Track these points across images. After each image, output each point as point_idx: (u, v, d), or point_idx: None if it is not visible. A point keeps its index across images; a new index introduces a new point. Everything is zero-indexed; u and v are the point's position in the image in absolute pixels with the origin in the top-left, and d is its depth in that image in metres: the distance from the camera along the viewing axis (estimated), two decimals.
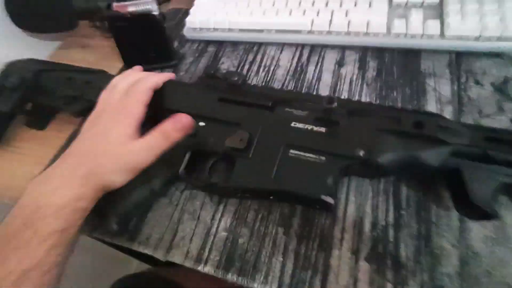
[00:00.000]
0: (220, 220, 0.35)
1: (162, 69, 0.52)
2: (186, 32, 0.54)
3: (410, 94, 0.42)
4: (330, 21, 0.47)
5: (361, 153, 0.31)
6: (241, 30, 0.52)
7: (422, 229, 0.31)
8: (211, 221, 0.35)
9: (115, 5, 0.46)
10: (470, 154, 0.29)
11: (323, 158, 0.32)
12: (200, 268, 0.33)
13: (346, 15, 0.47)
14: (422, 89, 0.42)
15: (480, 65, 0.43)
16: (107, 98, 0.36)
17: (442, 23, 0.43)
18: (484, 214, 0.27)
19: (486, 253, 0.29)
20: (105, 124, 0.34)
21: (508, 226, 0.30)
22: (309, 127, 0.33)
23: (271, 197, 0.34)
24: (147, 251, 0.35)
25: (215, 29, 0.53)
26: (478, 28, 0.41)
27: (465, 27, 0.42)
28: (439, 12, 0.44)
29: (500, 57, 0.43)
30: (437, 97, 0.41)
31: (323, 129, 0.33)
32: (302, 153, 0.32)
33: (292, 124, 0.34)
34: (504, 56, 0.43)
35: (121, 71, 0.54)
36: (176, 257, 0.34)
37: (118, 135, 0.32)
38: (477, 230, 0.31)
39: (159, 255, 0.34)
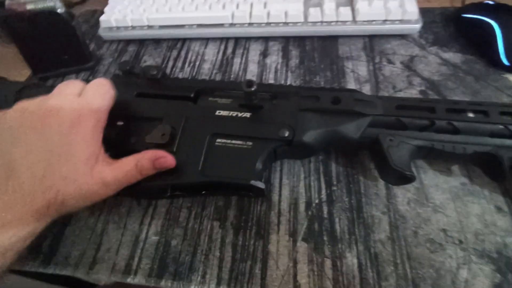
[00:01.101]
0: (150, 225, 0.32)
1: (77, 72, 0.48)
2: (102, 32, 0.50)
3: (331, 77, 0.43)
4: (250, 13, 0.47)
5: (286, 133, 0.30)
6: (162, 27, 0.49)
7: (353, 201, 0.32)
8: (140, 227, 0.32)
9: (9, 2, 0.41)
10: (385, 123, 0.31)
11: (250, 143, 0.31)
12: (129, 280, 0.29)
13: (265, 6, 0.48)
14: (342, 72, 0.44)
15: (390, 47, 0.46)
16: (60, 100, 0.28)
17: (352, 10, 0.46)
18: (404, 177, 0.28)
19: (412, 215, 0.31)
20: (63, 138, 0.26)
21: (426, 186, 0.32)
22: (234, 113, 0.32)
23: (204, 192, 0.32)
24: (66, 272, 0.30)
25: (133, 27, 0.50)
26: (383, 12, 0.45)
27: (372, 12, 0.45)
28: None
29: (404, 38, 0.46)
30: (356, 78, 0.43)
31: (247, 114, 0.32)
32: (228, 141, 0.31)
33: (217, 113, 0.33)
34: (408, 37, 0.47)
35: (29, 79, 0.48)
36: (101, 273, 0.30)
37: (85, 155, 0.26)
38: (402, 194, 0.32)
39: (81, 273, 0.30)
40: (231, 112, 0.32)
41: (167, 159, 0.29)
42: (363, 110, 0.30)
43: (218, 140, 0.31)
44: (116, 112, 0.33)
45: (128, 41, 0.51)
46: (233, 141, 0.31)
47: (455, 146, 0.29)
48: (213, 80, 0.35)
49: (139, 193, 0.33)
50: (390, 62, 0.44)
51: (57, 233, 0.32)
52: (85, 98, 0.28)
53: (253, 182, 0.29)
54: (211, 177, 0.30)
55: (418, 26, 0.45)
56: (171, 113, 0.33)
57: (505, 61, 0.40)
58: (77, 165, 0.26)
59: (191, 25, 0.49)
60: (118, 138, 0.33)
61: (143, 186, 0.31)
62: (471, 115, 0.30)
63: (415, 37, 0.47)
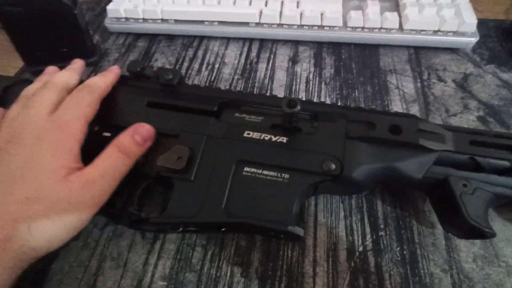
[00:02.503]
0: (156, 265, 0.26)
1: None
2: (109, 22, 0.44)
3: (373, 93, 0.37)
4: (281, 12, 0.41)
5: (333, 167, 0.24)
6: (178, 21, 0.43)
7: (406, 252, 0.26)
8: (144, 267, 0.26)
9: None
10: (456, 162, 0.25)
11: (286, 176, 0.25)
12: None
13: (298, 6, 0.41)
14: (385, 87, 0.38)
15: (439, 61, 0.40)
16: (23, 117, 0.24)
17: (400, 16, 0.40)
18: (481, 234, 0.23)
19: (479, 277, 0.25)
20: (26, 156, 0.22)
21: (496, 240, 0.27)
22: (267, 136, 0.26)
23: (223, 229, 0.26)
24: None
25: (144, 20, 0.43)
26: (436, 21, 0.39)
27: (423, 20, 0.39)
28: (395, 3, 0.41)
29: (455, 52, 0.41)
30: (401, 96, 0.37)
31: (284, 139, 0.26)
32: (259, 171, 0.25)
33: (245, 134, 0.27)
34: (460, 52, 0.41)
35: (20, 72, 0.42)
36: None
37: (51, 168, 0.22)
38: (466, 248, 0.26)
39: None
40: (263, 135, 0.26)
41: (145, 127, 0.26)
42: (430, 144, 0.25)
43: (247, 169, 0.25)
44: (122, 125, 0.27)
45: (138, 35, 0.45)
46: (265, 172, 0.25)
47: None
48: (241, 92, 0.29)
49: (146, 227, 0.27)
50: (440, 79, 0.38)
51: (41, 269, 0.26)
52: (57, 116, 0.24)
53: (290, 228, 0.23)
54: (238, 217, 0.24)
55: (474, 40, 0.39)
56: (189, 130, 0.27)
57: None
58: (41, 180, 0.22)
59: (211, 22, 0.43)
60: None
61: (152, 222, 0.25)
62: None
63: (467, 52, 0.41)
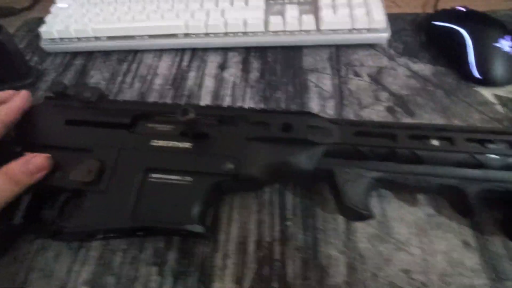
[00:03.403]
0: (79, 272, 0.28)
1: (15, 89, 0.43)
2: (44, 44, 0.46)
3: (294, 92, 0.40)
4: (206, 22, 0.43)
5: (230, 167, 0.27)
6: (110, 38, 0.45)
7: (309, 239, 0.29)
8: (68, 275, 0.28)
9: None
10: (342, 153, 0.27)
11: (189, 179, 0.27)
12: None
13: (223, 15, 0.44)
14: (305, 86, 0.40)
15: (357, 57, 0.43)
16: None
17: (316, 18, 0.42)
18: (360, 216, 0.25)
19: (372, 254, 0.27)
20: None
21: (390, 219, 0.29)
22: (173, 143, 0.29)
23: (139, 233, 0.28)
24: None
25: (78, 39, 0.45)
26: (349, 21, 0.41)
27: (337, 20, 0.41)
28: (313, 6, 0.44)
29: (372, 47, 0.43)
30: (319, 93, 0.39)
31: (188, 145, 0.28)
32: (165, 176, 0.27)
33: (152, 143, 0.29)
34: (377, 47, 0.43)
35: None
36: None
37: None
38: (362, 229, 0.29)
39: None
40: (170, 142, 0.29)
41: (39, 157, 0.27)
42: (317, 138, 0.27)
43: (153, 175, 0.27)
44: (42, 144, 0.29)
45: (75, 54, 0.47)
46: (171, 177, 0.27)
47: (419, 179, 0.26)
48: (156, 103, 0.32)
49: (67, 238, 0.29)
50: (356, 74, 0.41)
51: None
52: None
53: (188, 226, 0.25)
54: (144, 221, 0.26)
55: (386, 35, 0.42)
56: (103, 144, 0.29)
57: (476, 74, 0.37)
58: None
59: (142, 36, 0.44)
60: None
61: (66, 232, 0.27)
62: (435, 142, 0.27)
63: (384, 47, 0.43)
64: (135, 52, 0.47)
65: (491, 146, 0.26)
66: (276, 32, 0.43)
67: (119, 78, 0.44)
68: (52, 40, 0.45)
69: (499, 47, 0.37)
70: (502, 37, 0.37)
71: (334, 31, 0.42)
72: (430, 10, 0.47)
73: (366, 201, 0.26)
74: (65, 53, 0.47)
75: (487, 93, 0.37)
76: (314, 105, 0.38)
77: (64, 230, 0.27)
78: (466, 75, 0.38)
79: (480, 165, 0.26)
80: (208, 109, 0.31)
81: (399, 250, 0.27)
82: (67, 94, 0.33)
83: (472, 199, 0.25)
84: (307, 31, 0.42)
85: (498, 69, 0.37)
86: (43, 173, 0.28)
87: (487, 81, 0.37)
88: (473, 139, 0.26)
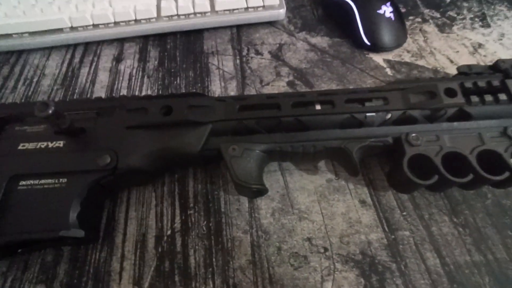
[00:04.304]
0: None
1: None
2: None
3: (194, 77, 0.38)
4: (92, 13, 0.39)
5: (107, 160, 0.24)
6: None
7: (212, 224, 0.27)
8: None
9: None
10: (229, 129, 0.26)
11: (63, 180, 0.24)
12: None
13: (110, 4, 0.40)
14: (206, 70, 0.39)
15: (258, 36, 0.42)
16: None
17: None
18: (254, 191, 0.24)
19: (276, 228, 0.27)
20: None
21: (292, 191, 0.29)
22: (43, 144, 0.25)
23: (20, 250, 0.25)
24: None
25: None
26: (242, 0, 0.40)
27: (231, 0, 0.40)
28: None
29: (273, 25, 0.43)
30: (221, 75, 0.38)
31: (60, 143, 0.25)
32: (36, 182, 0.24)
33: (20, 147, 0.25)
34: (277, 24, 0.43)
35: None
36: None
37: None
38: (266, 205, 0.28)
39: None
40: (40, 143, 0.25)
41: None
42: (199, 118, 0.26)
43: (22, 182, 0.24)
44: None
45: None
46: (42, 181, 0.24)
47: (304, 145, 0.26)
48: (23, 103, 0.28)
49: None
50: (258, 53, 0.40)
51: None
52: None
53: (63, 232, 0.22)
54: (9, 235, 0.22)
55: (282, 11, 0.42)
56: None
57: (366, 41, 0.39)
58: None
59: (20, 34, 0.40)
60: None
61: None
62: (318, 107, 0.27)
63: (284, 24, 0.43)
64: (19, 52, 0.41)
65: (369, 104, 0.27)
66: (170, 17, 0.41)
67: None
68: None
69: (382, 14, 0.38)
70: (384, 4, 0.39)
71: (230, 11, 0.41)
72: None
73: (258, 176, 0.25)
74: None
75: (378, 58, 0.39)
76: (215, 88, 0.37)
77: None
78: (358, 44, 0.40)
79: (360, 124, 0.26)
80: (84, 102, 0.28)
81: (301, 220, 0.27)
82: None
83: (355, 158, 0.25)
84: (203, 14, 0.41)
85: (384, 35, 0.38)
86: None
87: (376, 47, 0.39)
88: (352, 99, 0.27)
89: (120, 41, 0.42)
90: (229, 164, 0.25)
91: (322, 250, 0.26)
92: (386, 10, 0.38)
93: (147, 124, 0.25)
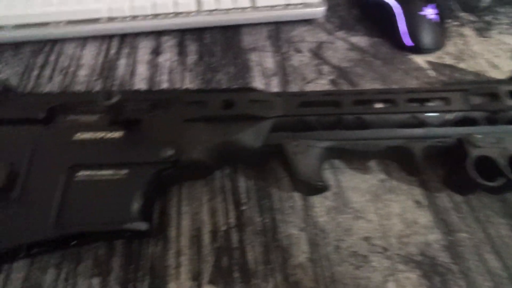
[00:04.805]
0: None
1: None
2: None
3: (235, 73, 0.38)
4: (132, 3, 0.39)
5: (169, 153, 0.24)
6: (18, 27, 0.38)
7: (267, 221, 0.27)
8: None
9: None
10: (289, 125, 0.26)
11: (124, 172, 0.23)
12: None
13: None
14: (246, 66, 0.38)
15: (297, 33, 0.42)
16: None
17: None
18: (315, 188, 0.24)
19: (332, 227, 0.27)
20: None
21: (345, 189, 0.29)
22: (101, 134, 0.25)
23: (73, 243, 0.24)
24: None
25: None
26: None
27: None
28: None
29: (310, 23, 0.43)
30: (262, 71, 0.38)
31: (119, 134, 0.25)
32: (95, 173, 0.23)
33: (76, 136, 0.25)
34: (314, 23, 0.43)
35: None
36: None
37: None
38: (320, 203, 0.28)
39: None
40: (96, 133, 0.25)
41: None
42: (260, 112, 0.25)
43: (80, 173, 0.23)
44: None
45: None
46: (102, 172, 0.24)
47: (367, 143, 0.26)
48: (77, 92, 0.27)
49: None
50: (298, 51, 0.40)
51: None
52: None
53: (128, 225, 0.22)
54: (71, 227, 0.22)
55: (322, 9, 0.41)
56: (10, 144, 0.24)
57: (408, 42, 0.38)
58: None
59: (57, 22, 0.39)
60: None
61: None
62: (379, 105, 0.27)
63: (321, 22, 0.43)
64: (53, 42, 0.40)
65: (429, 104, 0.27)
66: (210, 12, 0.40)
67: (35, 72, 0.37)
68: None
69: (424, 16, 0.38)
70: (426, 6, 0.39)
71: (271, 7, 0.41)
72: None
73: (319, 173, 0.25)
74: None
75: (420, 59, 0.39)
76: (257, 84, 0.36)
77: None
78: (399, 44, 0.40)
79: (421, 124, 0.26)
80: (138, 93, 0.27)
81: (357, 219, 0.27)
82: None
83: (418, 158, 0.25)
84: (243, 9, 0.40)
85: (426, 37, 0.38)
86: None
87: (418, 48, 0.39)
88: (413, 99, 0.27)
89: (157, 34, 0.42)
90: (291, 161, 0.24)
91: (381, 250, 0.26)
92: (429, 12, 0.38)
93: (208, 117, 0.25)
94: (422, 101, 0.27)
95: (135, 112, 0.25)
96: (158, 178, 0.24)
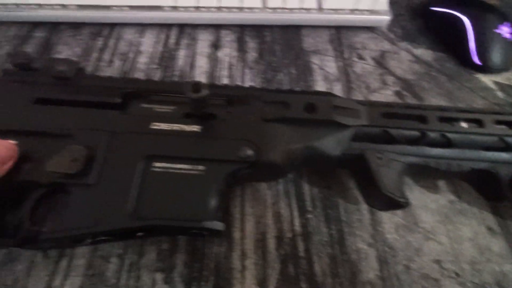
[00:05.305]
0: (62, 286, 0.23)
1: None
2: None
3: (297, 74, 0.37)
4: None
5: (248, 152, 0.23)
6: (81, 7, 0.38)
7: (333, 232, 0.26)
8: None
9: None
10: (371, 136, 0.25)
11: (201, 167, 0.23)
12: None
13: None
14: (308, 68, 0.37)
15: (359, 40, 0.41)
16: None
17: None
18: (397, 204, 0.23)
19: (402, 245, 0.26)
20: None
21: (414, 208, 0.27)
22: (177, 126, 0.24)
23: (139, 234, 0.23)
24: None
25: (39, 6, 0.37)
26: (352, 0, 0.39)
27: None
28: None
29: (372, 31, 0.42)
30: (324, 75, 0.37)
31: (196, 128, 0.24)
32: (171, 165, 0.23)
33: (153, 126, 0.24)
34: (376, 31, 0.42)
35: None
36: None
37: None
38: (389, 220, 0.27)
39: None
40: (173, 125, 0.24)
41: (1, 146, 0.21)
42: (344, 120, 0.24)
43: (157, 164, 0.23)
44: (3, 128, 0.23)
45: (35, 24, 0.39)
46: (178, 165, 0.23)
47: (450, 163, 0.24)
48: (149, 80, 0.26)
49: (44, 245, 0.23)
50: (361, 58, 0.39)
51: None
52: None
53: (206, 223, 0.21)
54: (148, 219, 0.21)
55: (388, 18, 0.40)
56: (88, 127, 0.24)
57: (476, 61, 0.37)
58: None
59: (121, 7, 0.38)
60: None
61: (43, 239, 0.21)
62: (464, 125, 0.26)
63: (383, 31, 0.42)
64: (112, 25, 0.40)
65: None
66: (274, 10, 0.39)
67: (95, 55, 0.37)
68: (5, 6, 0.37)
69: (499, 34, 0.37)
70: (502, 24, 0.37)
71: (336, 11, 0.40)
72: None
73: (401, 188, 0.23)
74: (22, 23, 0.39)
75: (486, 79, 0.37)
76: (320, 88, 0.35)
77: (40, 237, 0.21)
78: (466, 61, 0.38)
79: (509, 148, 0.25)
80: (215, 88, 0.26)
81: (427, 240, 0.26)
82: (32, 67, 0.26)
83: (503, 183, 0.24)
84: (308, 10, 0.39)
85: (498, 56, 0.37)
86: (10, 164, 0.22)
87: (485, 67, 0.37)
88: (501, 121, 0.25)
89: (216, 27, 0.41)
90: (375, 173, 0.23)
91: (453, 275, 0.24)
92: (504, 30, 0.37)
93: (289, 119, 0.24)
94: (510, 124, 0.25)
95: (212, 107, 0.24)
96: (234, 177, 0.23)
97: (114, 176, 0.22)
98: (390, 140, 0.25)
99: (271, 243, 0.25)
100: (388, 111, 0.25)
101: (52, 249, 0.24)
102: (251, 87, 0.27)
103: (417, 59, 0.39)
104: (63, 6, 0.38)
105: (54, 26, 0.39)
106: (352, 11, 0.40)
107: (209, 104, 0.24)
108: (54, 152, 0.22)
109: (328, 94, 0.26)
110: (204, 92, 0.21)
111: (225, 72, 0.36)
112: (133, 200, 0.21)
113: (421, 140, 0.25)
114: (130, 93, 0.26)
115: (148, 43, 0.39)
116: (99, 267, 0.24)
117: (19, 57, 0.26)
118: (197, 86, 0.21)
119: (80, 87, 0.26)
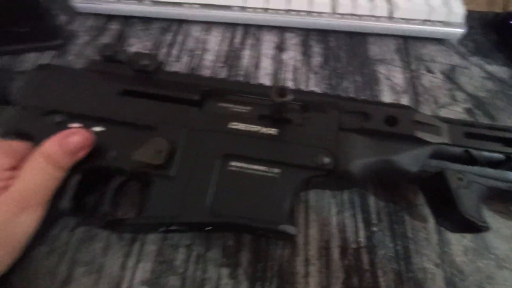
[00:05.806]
0: (135, 269, 0.24)
1: (41, 51, 0.37)
2: (76, 2, 0.40)
3: (362, 82, 0.36)
4: None
5: (326, 161, 0.23)
6: (154, 3, 0.40)
7: (399, 248, 0.26)
8: (121, 272, 0.24)
9: None
10: (450, 155, 0.24)
11: (277, 171, 0.23)
12: None
13: None
14: (374, 77, 0.37)
15: (427, 52, 0.39)
16: None
17: (390, 3, 0.38)
18: (476, 228, 0.22)
19: (471, 270, 0.25)
20: None
21: (486, 233, 0.26)
22: (254, 128, 0.24)
23: (208, 228, 0.24)
24: None
25: (117, 0, 0.39)
26: (425, 10, 0.38)
27: (412, 8, 0.38)
28: None
29: (441, 43, 0.40)
30: (391, 86, 0.36)
31: (273, 131, 0.24)
32: (247, 166, 0.23)
33: (231, 125, 0.24)
34: (446, 43, 0.40)
35: None
36: None
37: None
38: (457, 242, 0.26)
39: None
40: (251, 126, 0.24)
41: (78, 134, 0.22)
42: (426, 136, 0.24)
43: (233, 163, 0.23)
44: (90, 114, 0.24)
45: (110, 17, 0.41)
46: (254, 166, 0.23)
47: None
48: (226, 80, 0.27)
49: (122, 229, 0.24)
50: (429, 70, 0.38)
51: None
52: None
53: (281, 227, 0.21)
54: (224, 216, 0.22)
55: (461, 31, 0.39)
56: (168, 122, 0.25)
57: None
58: None
59: (191, 4, 0.39)
60: (93, 150, 0.23)
61: (128, 224, 0.22)
62: None
63: (453, 44, 0.40)
64: (180, 22, 0.41)
65: None
66: (343, 15, 0.39)
67: (164, 50, 0.38)
68: None
69: None
70: None
71: (406, 20, 0.39)
72: (498, 9, 0.44)
73: (480, 212, 0.22)
74: (97, 15, 0.41)
75: None
76: (386, 99, 0.35)
77: (126, 221, 0.22)
78: None
79: None
80: (293, 92, 0.26)
81: (500, 268, 0.25)
82: (117, 59, 0.28)
83: None
84: (377, 17, 0.39)
85: None
86: (86, 151, 0.23)
87: None
88: None
89: (280, 30, 0.41)
90: (455, 194, 0.22)
91: None
92: None
93: (368, 130, 0.24)
94: None
95: (289, 112, 0.25)
96: (308, 183, 0.23)
97: (193, 172, 0.23)
98: (471, 161, 0.24)
99: (335, 252, 0.25)
100: (470, 131, 0.24)
101: (127, 233, 0.25)
102: (325, 94, 0.27)
103: (491, 76, 0.37)
104: (139, 1, 0.39)
105: (126, 20, 0.41)
106: (424, 21, 0.38)
107: (289, 109, 0.24)
108: (138, 142, 0.23)
109: (408, 108, 0.26)
110: (290, 97, 0.21)
111: (289, 75, 0.37)
112: (211, 196, 0.22)
113: (505, 164, 0.24)
114: (208, 91, 0.26)
115: (214, 41, 0.40)
116: (168, 255, 0.25)
117: (107, 49, 0.28)
118: (283, 90, 0.22)
119: (161, 81, 0.27)
